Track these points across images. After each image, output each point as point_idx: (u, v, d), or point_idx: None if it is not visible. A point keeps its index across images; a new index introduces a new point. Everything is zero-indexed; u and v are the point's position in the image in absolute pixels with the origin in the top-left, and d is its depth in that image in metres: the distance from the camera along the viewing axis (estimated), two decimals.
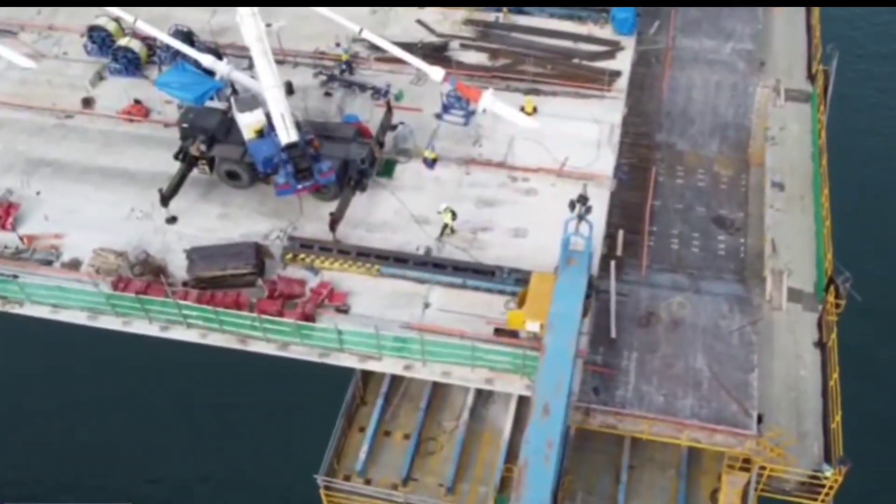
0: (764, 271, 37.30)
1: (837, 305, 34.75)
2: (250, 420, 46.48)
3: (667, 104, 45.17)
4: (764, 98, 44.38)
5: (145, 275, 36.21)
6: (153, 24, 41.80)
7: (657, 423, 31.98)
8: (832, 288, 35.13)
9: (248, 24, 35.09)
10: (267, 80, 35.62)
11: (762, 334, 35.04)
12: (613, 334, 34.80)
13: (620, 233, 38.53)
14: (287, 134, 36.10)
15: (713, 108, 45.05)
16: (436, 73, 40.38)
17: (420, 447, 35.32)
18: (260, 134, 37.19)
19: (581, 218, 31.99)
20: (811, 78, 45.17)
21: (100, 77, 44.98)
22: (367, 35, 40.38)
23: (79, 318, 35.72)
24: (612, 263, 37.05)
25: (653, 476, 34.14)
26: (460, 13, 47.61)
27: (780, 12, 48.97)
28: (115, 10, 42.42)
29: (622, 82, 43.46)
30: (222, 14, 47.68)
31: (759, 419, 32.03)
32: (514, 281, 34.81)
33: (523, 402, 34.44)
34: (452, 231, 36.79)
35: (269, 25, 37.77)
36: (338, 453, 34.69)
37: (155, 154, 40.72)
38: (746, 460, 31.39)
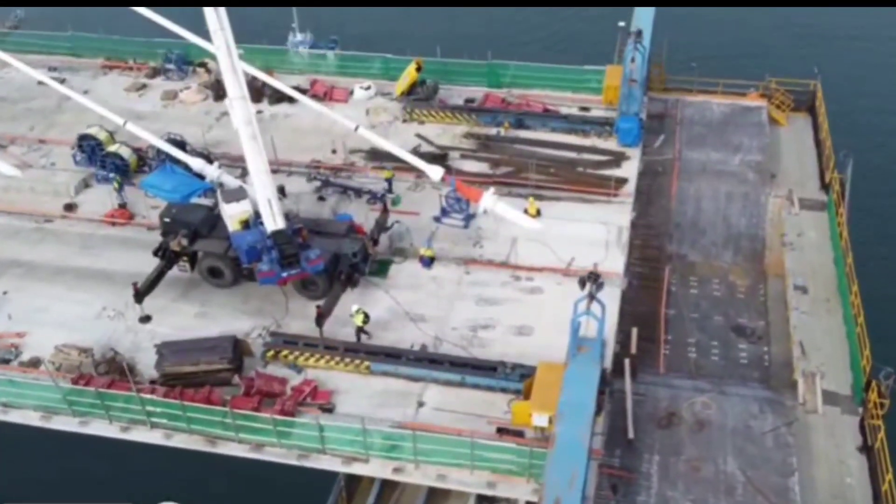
0: (794, 374, 33.80)
1: (881, 405, 30.99)
2: None
3: (676, 215, 43.16)
4: (777, 207, 42.45)
5: (110, 374, 32.76)
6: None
7: None
8: (872, 388, 31.51)
9: (238, 106, 33.59)
10: (255, 165, 33.72)
11: (798, 439, 31.03)
12: (631, 435, 30.85)
13: (634, 330, 35.29)
14: (274, 221, 33.82)
15: (725, 217, 43.01)
16: (435, 172, 38.77)
17: None
18: (245, 225, 34.91)
19: (592, 297, 28.97)
20: (825, 187, 43.44)
21: (85, 185, 43.35)
22: (363, 132, 39.05)
23: (31, 418, 32.09)
24: (627, 361, 33.56)
25: None
26: (461, 128, 46.67)
27: (785, 129, 48.09)
28: (104, 112, 41.31)
29: (630, 187, 41.65)
30: (217, 129, 47.12)
31: None
32: (518, 377, 31.32)
33: None
34: (366, 334, 33.75)
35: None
36: None
37: (135, 255, 38.26)
38: None
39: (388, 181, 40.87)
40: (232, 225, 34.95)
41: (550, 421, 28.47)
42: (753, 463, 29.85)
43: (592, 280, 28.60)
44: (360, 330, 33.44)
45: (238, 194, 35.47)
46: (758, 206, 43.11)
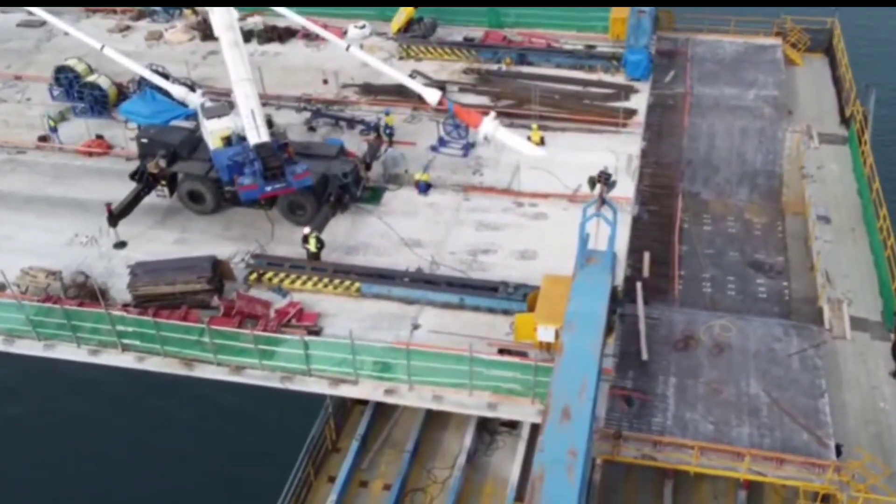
0: (819, 301, 31.31)
1: None
2: (195, 460, 38.01)
3: (688, 151, 40.69)
4: (795, 142, 39.98)
5: (80, 298, 30.18)
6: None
7: (708, 453, 24.85)
8: None
9: (219, 11, 31.16)
10: (237, 73, 31.38)
11: (826, 364, 28.49)
12: (645, 356, 28.30)
13: (647, 255, 32.79)
14: (257, 133, 31.29)
15: (739, 154, 40.59)
16: (432, 95, 36.44)
17: (404, 499, 27.80)
18: (227, 142, 32.42)
19: (603, 201, 26.42)
20: (845, 122, 41.04)
21: (63, 117, 40.78)
22: (355, 52, 36.59)
23: None
24: (639, 285, 31.05)
25: None
26: (460, 64, 44.23)
27: (801, 68, 45.72)
28: (82, 36, 38.85)
29: (639, 118, 39.19)
30: (204, 67, 44.71)
31: (839, 450, 24.98)
32: (521, 297, 28.75)
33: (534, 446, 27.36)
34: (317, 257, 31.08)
35: None
36: None
37: (112, 185, 35.60)
38: (826, 498, 24.09)
39: (390, 127, 38.13)
40: (213, 142, 32.46)
41: (557, 335, 25.90)
42: (779, 385, 27.32)
43: (603, 180, 26.02)
44: (313, 257, 30.82)
45: (220, 110, 33.08)
46: (774, 142, 40.67)
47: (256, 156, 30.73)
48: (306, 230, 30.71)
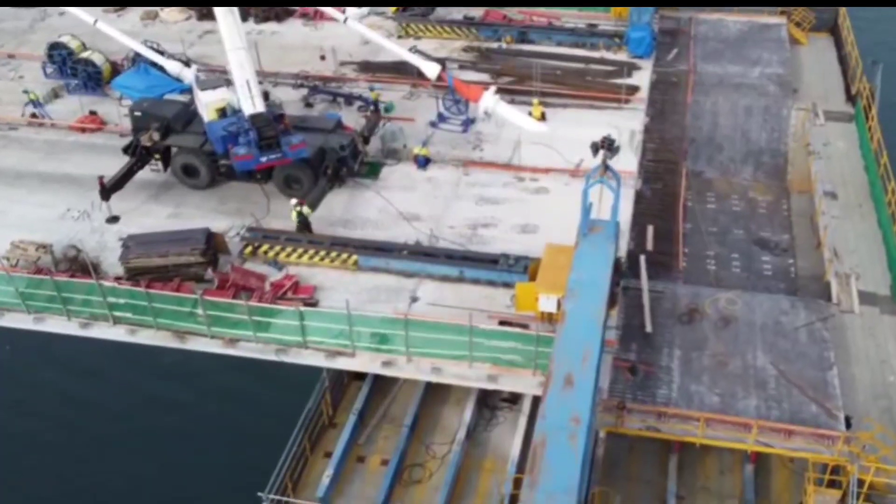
0: (827, 276, 30.65)
1: None
2: (188, 436, 37.39)
3: (691, 130, 39.96)
4: (801, 120, 39.26)
5: (72, 271, 29.51)
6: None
7: (714, 424, 24.16)
8: None
9: None
10: (231, 41, 30.68)
11: (835, 337, 27.81)
12: (649, 328, 27.62)
13: (650, 228, 32.13)
14: (252, 104, 30.62)
15: (744, 132, 39.82)
16: (431, 68, 35.68)
17: (402, 475, 27.11)
18: (222, 114, 31.76)
19: (607, 167, 25.74)
20: (851, 99, 40.36)
21: (55, 95, 40.13)
22: (352, 24, 35.88)
23: None
24: (642, 257, 30.39)
25: None
26: (459, 42, 43.58)
27: (806, 47, 45.05)
28: (75, 11, 38.11)
29: (642, 94, 38.54)
30: (200, 46, 44.03)
31: (848, 422, 24.31)
32: (522, 269, 28.11)
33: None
34: (308, 230, 30.45)
35: None
36: (294, 481, 26.48)
37: (105, 160, 34.79)
38: (836, 470, 23.41)
39: (375, 102, 37.39)
40: (208, 114, 31.80)
41: (559, 305, 25.25)
42: (787, 357, 26.61)
43: (607, 146, 25.34)
44: (299, 229, 30.20)
45: (215, 82, 32.45)
46: (779, 120, 39.90)
47: (251, 125, 30.02)
48: (293, 202, 30.01)
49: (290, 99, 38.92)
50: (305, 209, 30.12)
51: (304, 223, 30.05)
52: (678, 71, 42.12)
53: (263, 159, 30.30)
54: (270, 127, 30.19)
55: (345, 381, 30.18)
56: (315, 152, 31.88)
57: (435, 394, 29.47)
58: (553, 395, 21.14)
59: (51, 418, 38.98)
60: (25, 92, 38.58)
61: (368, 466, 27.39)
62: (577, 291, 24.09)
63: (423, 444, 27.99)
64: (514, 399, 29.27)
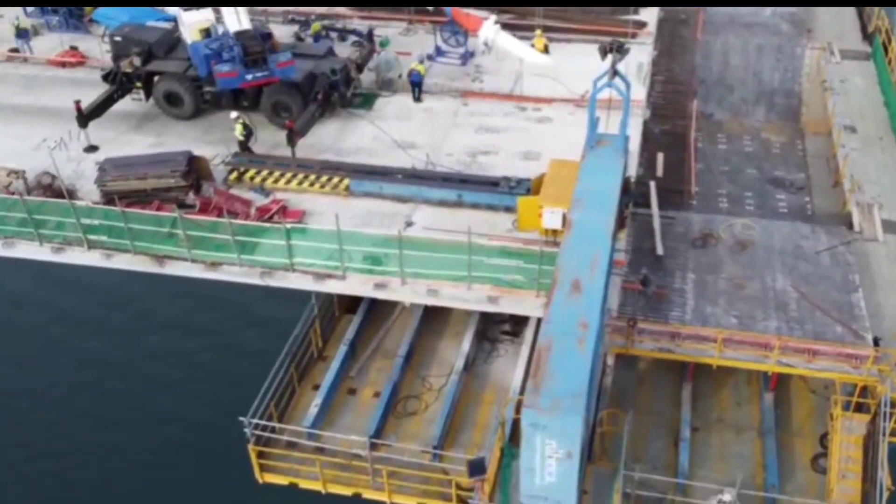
0: (848, 206, 28.88)
1: None
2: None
3: (701, 70, 38.17)
4: (815, 60, 37.49)
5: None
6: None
7: (732, 344, 22.36)
8: None
9: None
10: None
11: (858, 265, 26.03)
12: (660, 251, 25.83)
13: (660, 155, 30.36)
14: (238, 20, 28.83)
15: (756, 73, 38.00)
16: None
17: (396, 407, 25.30)
18: (206, 35, 29.96)
19: (616, 72, 23.96)
20: (868, 38, 38.57)
21: (35, 32, 38.29)
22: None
23: None
24: (652, 183, 28.62)
25: (724, 440, 24.03)
26: None
27: None
28: None
29: (649, 29, 36.74)
30: None
31: (876, 343, 22.54)
32: (525, 191, 26.32)
33: None
34: (248, 150, 29.01)
35: None
36: (280, 411, 24.66)
37: (85, 93, 32.76)
38: (864, 394, 21.65)
39: (369, 32, 35.54)
40: (191, 35, 30.00)
41: (565, 220, 23.49)
42: (809, 280, 24.84)
43: (616, 48, 23.56)
44: (242, 145, 28.68)
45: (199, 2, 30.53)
46: (793, 59, 38.09)
47: (236, 41, 28.21)
48: (234, 114, 28.44)
49: (281, 36, 36.91)
50: (247, 120, 28.57)
51: (246, 138, 28.32)
52: (687, 9, 40.33)
53: (249, 77, 28.53)
54: (257, 42, 28.38)
55: (335, 313, 28.35)
56: (305, 77, 30.11)
57: (431, 325, 27.70)
58: (559, 300, 19.35)
59: (34, 333, 37.70)
60: (16, 23, 36.82)
61: (360, 398, 25.55)
62: (583, 200, 22.31)
63: (418, 377, 26.16)
64: (516, 332, 27.47)
